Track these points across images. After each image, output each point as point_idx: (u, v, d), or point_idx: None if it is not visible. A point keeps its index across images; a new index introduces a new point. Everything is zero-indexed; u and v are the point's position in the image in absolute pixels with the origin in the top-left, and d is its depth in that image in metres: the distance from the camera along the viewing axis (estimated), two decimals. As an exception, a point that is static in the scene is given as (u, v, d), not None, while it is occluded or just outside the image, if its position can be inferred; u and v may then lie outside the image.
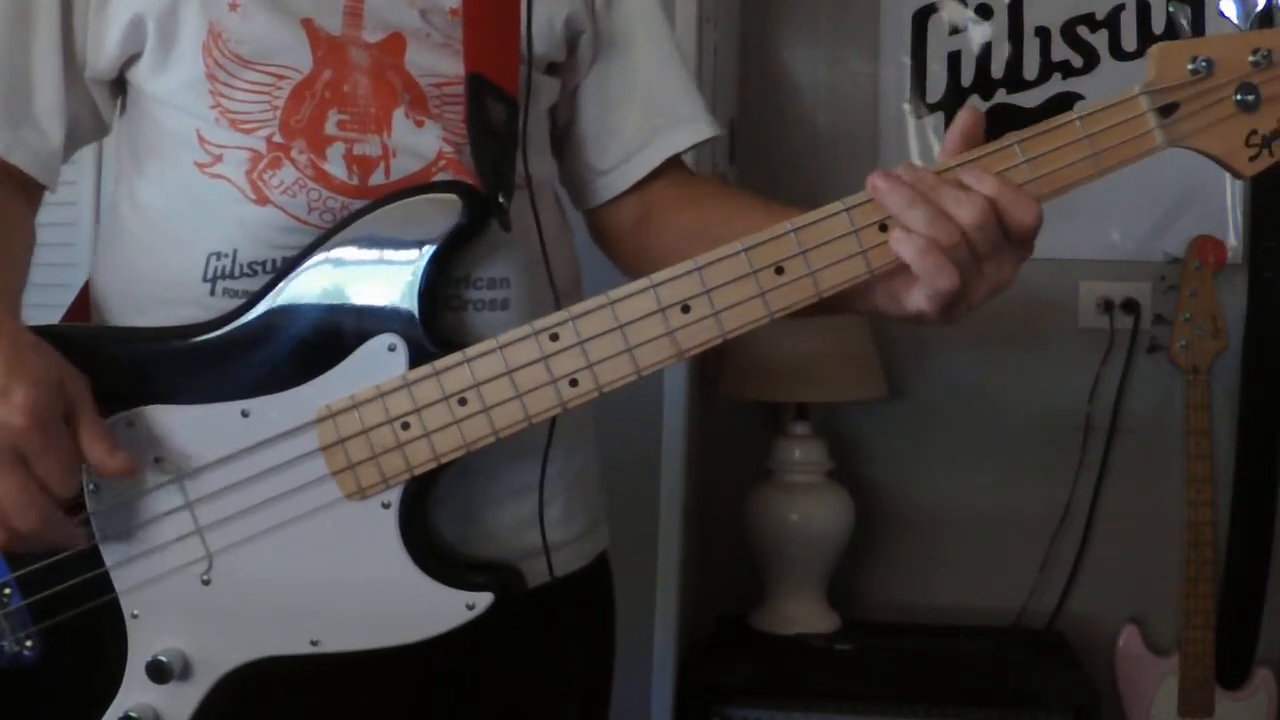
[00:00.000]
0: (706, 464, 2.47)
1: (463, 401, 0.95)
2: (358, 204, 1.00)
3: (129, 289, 1.06)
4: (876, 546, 2.59)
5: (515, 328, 0.95)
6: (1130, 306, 2.51)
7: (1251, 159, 0.97)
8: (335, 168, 1.00)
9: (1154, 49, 0.96)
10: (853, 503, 2.43)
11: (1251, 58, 0.96)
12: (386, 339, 0.96)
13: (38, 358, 0.88)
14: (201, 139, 1.02)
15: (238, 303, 0.99)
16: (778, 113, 2.66)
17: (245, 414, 0.96)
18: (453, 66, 1.04)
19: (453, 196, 0.98)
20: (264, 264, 1.00)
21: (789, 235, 0.93)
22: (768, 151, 2.64)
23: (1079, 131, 0.94)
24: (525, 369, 0.94)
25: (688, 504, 2.15)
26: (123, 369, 0.97)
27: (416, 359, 0.95)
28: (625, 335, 0.94)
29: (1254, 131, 0.96)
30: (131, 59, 1.05)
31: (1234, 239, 2.48)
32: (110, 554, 0.97)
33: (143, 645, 0.97)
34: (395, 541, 0.96)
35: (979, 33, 2.57)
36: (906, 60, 2.60)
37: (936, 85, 2.59)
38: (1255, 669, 2.40)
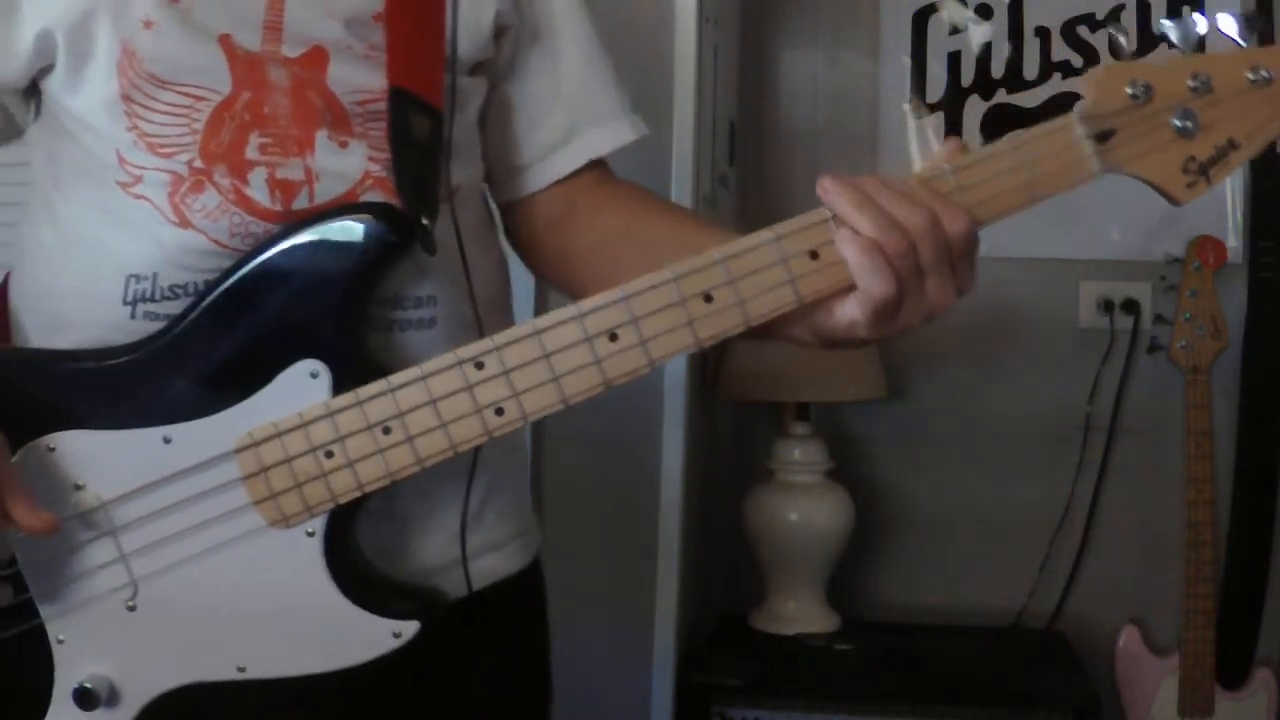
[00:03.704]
0: (706, 464, 2.46)
1: (386, 430, 0.93)
2: (280, 229, 0.97)
3: (46, 305, 1.03)
4: (876, 546, 2.59)
5: (441, 346, 0.94)
6: (1130, 306, 2.51)
7: (1188, 186, 0.94)
8: (258, 193, 0.98)
9: (1094, 72, 0.94)
10: (853, 503, 2.43)
11: (1190, 83, 0.93)
12: (309, 365, 0.94)
13: None
14: (122, 160, 0.98)
15: (158, 325, 0.97)
16: (778, 113, 2.66)
17: (167, 440, 0.94)
18: (376, 80, 1.01)
19: (374, 218, 0.96)
20: (184, 287, 0.98)
21: (719, 264, 0.91)
22: (768, 151, 2.64)
23: (1014, 160, 0.92)
24: (450, 398, 0.92)
25: (688, 504, 2.14)
26: (44, 392, 0.96)
27: (339, 385, 0.94)
28: (551, 364, 0.92)
29: (1191, 158, 0.94)
30: (44, 69, 1.01)
31: (1234, 239, 2.48)
32: (35, 580, 0.96)
33: (69, 671, 0.96)
34: (320, 570, 0.95)
35: (979, 33, 2.57)
36: (906, 60, 2.60)
37: (936, 85, 2.59)
38: (1255, 669, 2.40)
